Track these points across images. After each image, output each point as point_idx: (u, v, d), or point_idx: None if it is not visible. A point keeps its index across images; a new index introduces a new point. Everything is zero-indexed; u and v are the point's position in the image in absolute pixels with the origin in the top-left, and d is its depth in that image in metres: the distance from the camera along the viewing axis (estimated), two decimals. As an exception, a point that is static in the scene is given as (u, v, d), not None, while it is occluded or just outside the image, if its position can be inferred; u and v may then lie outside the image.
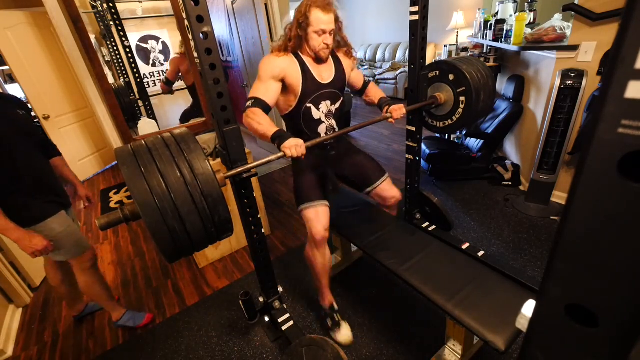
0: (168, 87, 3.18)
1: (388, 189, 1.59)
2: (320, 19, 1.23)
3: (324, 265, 1.49)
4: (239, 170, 1.09)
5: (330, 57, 1.40)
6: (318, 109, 1.39)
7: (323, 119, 1.41)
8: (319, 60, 1.34)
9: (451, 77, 1.59)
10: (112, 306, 1.71)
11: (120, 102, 2.81)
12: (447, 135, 3.30)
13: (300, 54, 1.34)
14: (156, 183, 0.83)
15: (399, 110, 1.46)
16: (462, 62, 1.58)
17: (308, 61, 1.34)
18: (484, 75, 1.56)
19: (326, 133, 1.44)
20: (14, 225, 1.26)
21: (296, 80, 1.31)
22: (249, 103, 1.26)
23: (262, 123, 1.20)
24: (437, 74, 1.64)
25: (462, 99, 1.58)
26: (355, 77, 1.57)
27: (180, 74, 3.16)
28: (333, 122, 1.45)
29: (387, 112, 1.48)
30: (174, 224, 0.85)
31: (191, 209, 0.86)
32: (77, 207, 3.24)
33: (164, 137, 0.93)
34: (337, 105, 1.45)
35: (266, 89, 1.27)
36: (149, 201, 0.81)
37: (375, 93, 1.58)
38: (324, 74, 1.38)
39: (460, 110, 1.61)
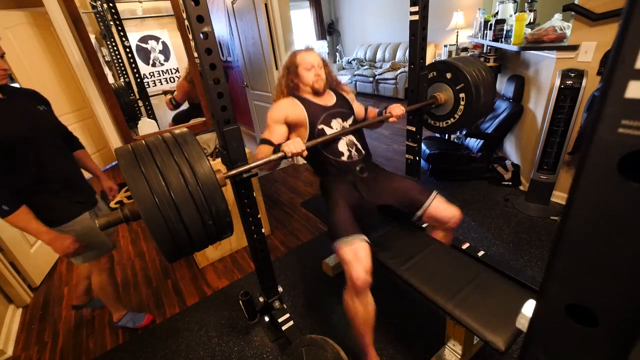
0: (176, 108, 3.19)
1: (443, 207, 1.40)
2: (305, 57, 1.42)
3: (367, 318, 1.22)
4: (239, 170, 1.09)
5: (328, 90, 1.51)
6: (331, 127, 1.41)
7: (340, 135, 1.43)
8: (316, 92, 1.44)
9: (450, 76, 1.59)
10: (116, 307, 1.71)
11: (120, 102, 2.81)
12: (447, 135, 3.30)
13: (299, 94, 1.45)
14: (156, 182, 0.82)
15: (397, 108, 1.49)
16: (461, 62, 1.59)
17: (308, 96, 1.45)
18: (483, 74, 1.57)
19: (348, 150, 1.42)
20: (46, 229, 1.25)
21: (300, 113, 1.40)
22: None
23: (264, 151, 1.31)
24: (436, 74, 1.65)
25: (462, 97, 1.59)
26: (358, 107, 1.63)
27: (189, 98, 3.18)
28: (352, 137, 1.44)
29: (386, 113, 1.51)
30: (174, 224, 0.84)
31: (191, 208, 0.86)
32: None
33: (163, 137, 0.93)
34: (350, 121, 1.47)
35: (270, 132, 1.39)
36: (150, 200, 0.81)
37: (374, 110, 1.66)
38: (326, 100, 1.47)
39: (460, 109, 1.61)
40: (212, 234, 0.95)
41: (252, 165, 1.11)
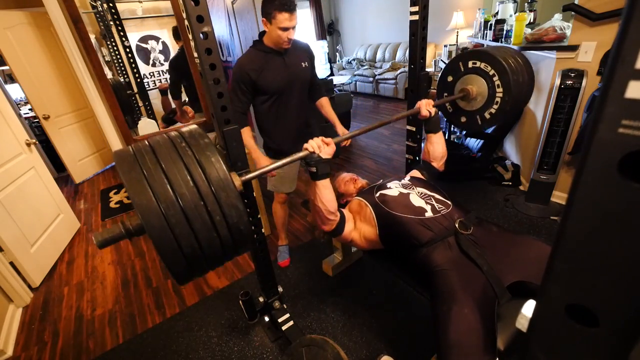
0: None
1: None
2: None
3: None
4: (259, 172, 1.01)
5: None
6: None
7: None
8: None
9: (483, 66, 1.46)
10: (282, 235, 2.13)
11: (118, 97, 2.82)
12: (446, 135, 3.30)
13: None
14: (162, 190, 0.70)
15: (424, 109, 1.39)
16: (490, 49, 1.47)
17: None
18: (517, 58, 1.45)
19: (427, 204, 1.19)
20: (257, 148, 1.63)
21: None
22: None
23: None
24: (465, 66, 1.52)
25: (498, 86, 1.44)
26: None
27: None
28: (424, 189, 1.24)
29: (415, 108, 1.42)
30: (185, 241, 0.72)
31: (204, 219, 0.73)
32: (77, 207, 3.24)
33: (170, 136, 0.81)
34: None
35: None
36: (155, 212, 0.68)
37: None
38: None
39: (497, 101, 1.46)
40: (230, 248, 0.80)
41: (271, 166, 1.02)
